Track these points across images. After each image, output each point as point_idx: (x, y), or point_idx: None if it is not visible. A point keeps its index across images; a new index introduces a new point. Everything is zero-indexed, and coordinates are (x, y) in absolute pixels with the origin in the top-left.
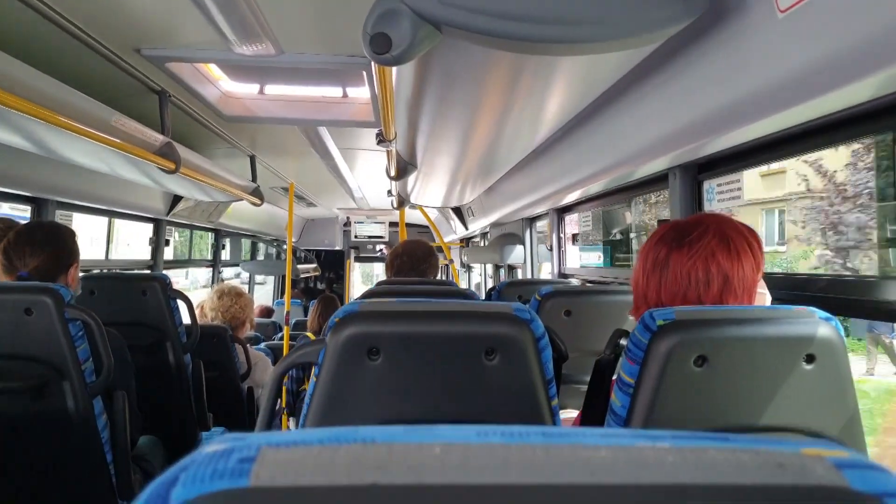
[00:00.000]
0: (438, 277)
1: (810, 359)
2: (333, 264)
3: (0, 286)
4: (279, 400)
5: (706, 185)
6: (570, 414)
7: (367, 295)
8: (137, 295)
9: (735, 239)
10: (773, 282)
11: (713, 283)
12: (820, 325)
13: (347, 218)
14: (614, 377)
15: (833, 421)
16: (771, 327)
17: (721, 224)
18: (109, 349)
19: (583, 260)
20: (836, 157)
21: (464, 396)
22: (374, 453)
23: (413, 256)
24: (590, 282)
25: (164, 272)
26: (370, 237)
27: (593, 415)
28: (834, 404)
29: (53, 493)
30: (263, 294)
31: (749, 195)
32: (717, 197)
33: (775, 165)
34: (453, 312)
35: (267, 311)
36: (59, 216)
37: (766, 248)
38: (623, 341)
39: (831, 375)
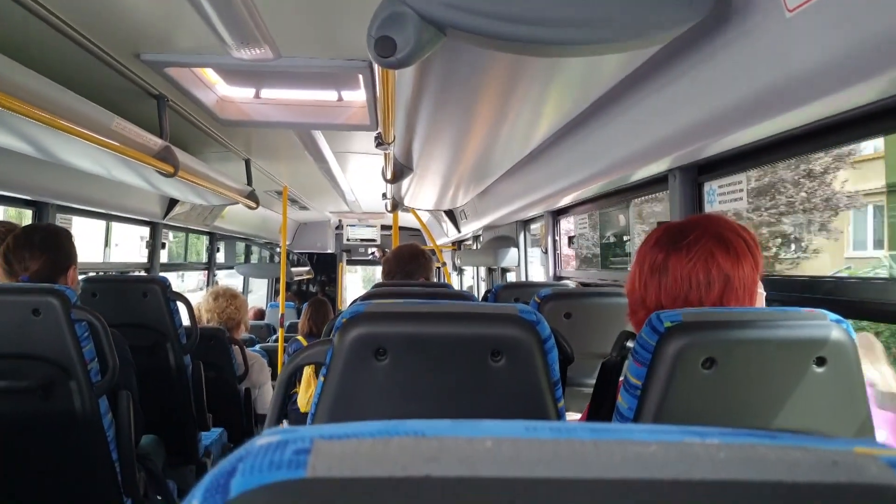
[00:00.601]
0: (432, 280)
1: (821, 362)
2: (326, 267)
3: (8, 287)
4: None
5: (707, 186)
6: (572, 417)
7: (366, 297)
8: (138, 297)
9: (733, 239)
10: (782, 284)
11: (714, 284)
12: (831, 327)
13: (340, 221)
14: (620, 379)
15: (844, 425)
16: (781, 329)
17: (717, 224)
18: (114, 349)
19: (578, 261)
20: None
21: (470, 397)
22: (427, 446)
23: (400, 258)
24: (585, 284)
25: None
26: (362, 240)
27: (599, 417)
28: (845, 408)
29: (60, 490)
30: (255, 299)
31: (836, 186)
32: (719, 199)
33: (868, 150)
34: (460, 314)
35: (259, 314)
36: (59, 219)
37: (855, 254)
38: (629, 343)
39: (842, 379)
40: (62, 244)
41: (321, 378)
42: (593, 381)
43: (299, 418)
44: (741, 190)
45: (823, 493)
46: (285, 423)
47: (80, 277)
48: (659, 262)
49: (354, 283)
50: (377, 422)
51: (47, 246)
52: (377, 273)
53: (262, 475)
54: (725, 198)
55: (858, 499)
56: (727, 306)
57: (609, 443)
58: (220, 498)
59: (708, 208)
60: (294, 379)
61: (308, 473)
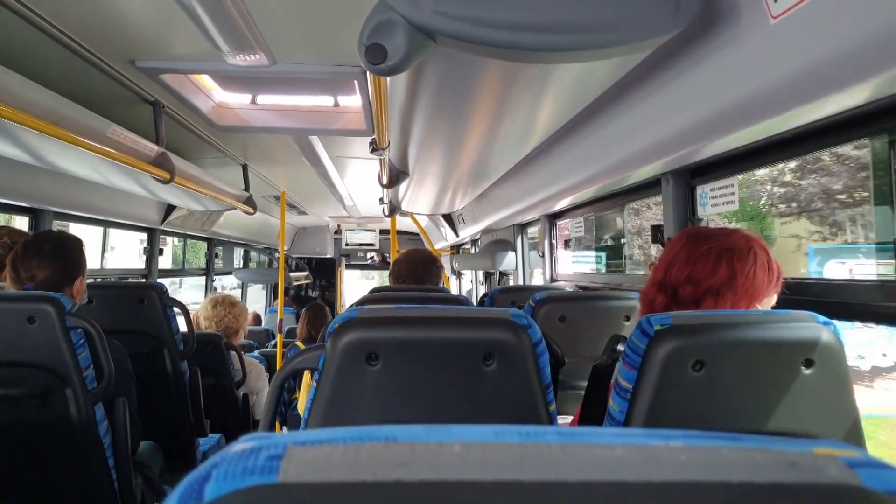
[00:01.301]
0: (440, 286)
1: (809, 363)
2: (324, 272)
3: (4, 295)
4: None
5: (699, 190)
6: (564, 420)
7: (361, 302)
8: (135, 303)
9: (759, 252)
10: None
11: (721, 268)
12: (819, 329)
13: (338, 226)
14: (612, 382)
15: (833, 426)
16: (769, 331)
17: (752, 238)
18: (110, 357)
19: (574, 265)
20: None
21: (462, 402)
22: (397, 451)
23: (411, 265)
24: (582, 287)
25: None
26: (361, 245)
27: (591, 420)
28: (834, 409)
29: (57, 497)
30: (251, 305)
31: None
32: (711, 202)
33: None
34: (451, 318)
35: (256, 319)
36: (56, 226)
37: None
38: (620, 346)
39: (831, 380)
40: (71, 254)
41: (314, 383)
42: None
43: (299, 424)
44: (733, 193)
45: (782, 494)
46: (285, 430)
47: None
48: (689, 246)
49: (359, 287)
50: (352, 427)
51: (56, 255)
52: (377, 276)
53: (235, 480)
54: (718, 201)
55: (817, 499)
56: (724, 301)
57: (576, 446)
58: (194, 502)
59: (700, 211)
60: (293, 384)
61: (280, 479)
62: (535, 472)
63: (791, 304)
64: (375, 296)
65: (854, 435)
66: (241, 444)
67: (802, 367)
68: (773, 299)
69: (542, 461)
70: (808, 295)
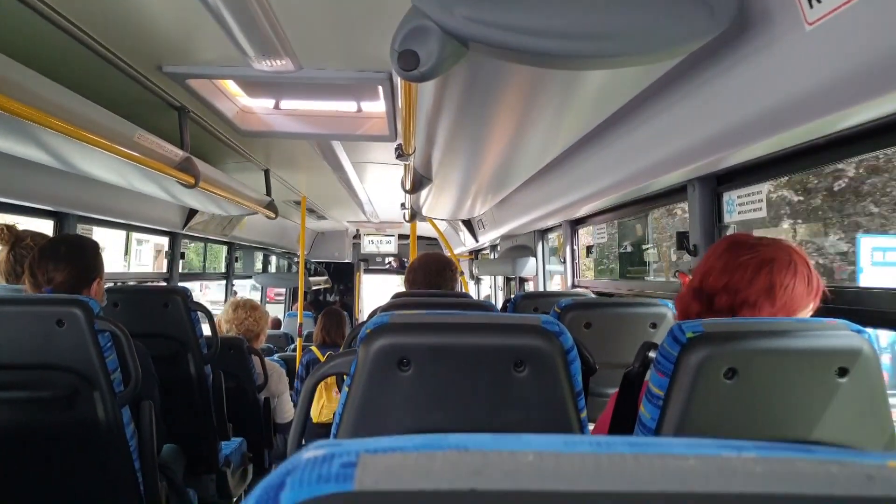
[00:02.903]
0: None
1: (843, 372)
2: (343, 277)
3: (33, 298)
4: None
5: (726, 196)
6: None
7: (386, 308)
8: (160, 307)
9: (800, 265)
10: None
11: (760, 279)
12: (852, 337)
13: (357, 230)
14: (642, 389)
15: (867, 436)
16: (801, 340)
17: (794, 250)
18: (137, 360)
19: (596, 272)
20: None
21: (494, 407)
22: (471, 460)
23: (427, 270)
24: (603, 294)
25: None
26: (379, 249)
27: (622, 427)
28: (868, 419)
29: (83, 499)
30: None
31: None
32: (738, 209)
33: None
34: (483, 325)
35: (276, 323)
36: (80, 230)
37: None
38: (651, 354)
39: (865, 389)
40: (87, 256)
41: (345, 388)
42: (613, 391)
43: (313, 428)
44: (760, 200)
45: None
46: None
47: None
48: (732, 256)
49: (379, 292)
50: (420, 436)
51: (72, 258)
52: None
53: (311, 488)
54: (745, 208)
55: None
56: (760, 313)
57: (649, 456)
58: None
59: (727, 218)
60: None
61: (356, 486)
62: (611, 482)
63: (823, 312)
64: (401, 301)
65: (890, 445)
66: (313, 451)
67: (836, 376)
68: (810, 313)
69: (617, 471)
70: (840, 303)
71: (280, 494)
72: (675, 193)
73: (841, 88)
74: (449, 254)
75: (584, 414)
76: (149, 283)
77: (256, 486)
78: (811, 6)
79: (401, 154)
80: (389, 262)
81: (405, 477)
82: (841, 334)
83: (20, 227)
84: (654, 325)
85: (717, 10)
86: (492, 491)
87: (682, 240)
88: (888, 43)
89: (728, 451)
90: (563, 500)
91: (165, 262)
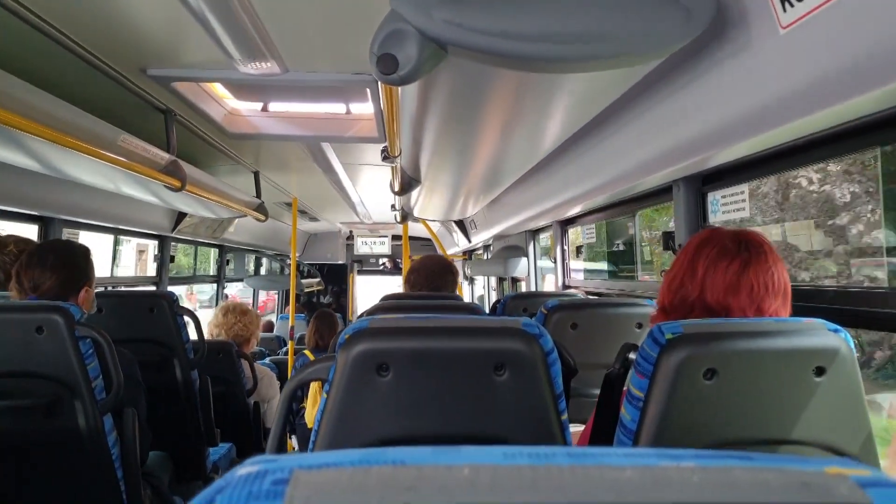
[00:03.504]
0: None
1: (820, 371)
2: (337, 278)
3: (11, 305)
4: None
5: (710, 196)
6: (577, 428)
7: (372, 311)
8: (145, 312)
9: (771, 258)
10: None
11: (729, 276)
12: (829, 336)
13: (350, 232)
14: (623, 390)
15: (845, 434)
16: (780, 340)
17: (765, 244)
18: (119, 367)
19: (586, 272)
20: None
21: (474, 412)
22: (405, 475)
23: (428, 272)
24: (594, 294)
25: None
26: (373, 250)
27: (603, 428)
28: (845, 417)
29: None
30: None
31: None
32: (722, 209)
33: None
34: (462, 328)
35: (268, 326)
36: (66, 234)
37: None
38: (632, 355)
39: (842, 388)
40: (76, 263)
41: (324, 394)
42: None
43: (307, 433)
44: (744, 200)
45: None
46: (293, 439)
47: None
48: (734, 270)
49: (373, 293)
50: (359, 450)
51: (60, 264)
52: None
53: None
54: (729, 208)
55: None
56: (732, 310)
57: (585, 468)
58: None
59: (712, 218)
60: (301, 394)
61: None
62: (546, 495)
63: (801, 312)
64: (387, 304)
65: (866, 442)
66: (247, 468)
67: (814, 376)
68: (784, 310)
69: (553, 484)
70: (818, 302)
71: None
72: (661, 193)
73: (816, 90)
74: (442, 254)
75: (564, 416)
76: (138, 288)
77: (189, 502)
78: (784, 10)
79: (387, 156)
80: (383, 264)
81: (336, 494)
82: (819, 334)
83: (3, 233)
84: (640, 326)
85: (693, 14)
86: None
87: (667, 240)
88: (859, 45)
89: (666, 461)
90: None
91: (154, 265)
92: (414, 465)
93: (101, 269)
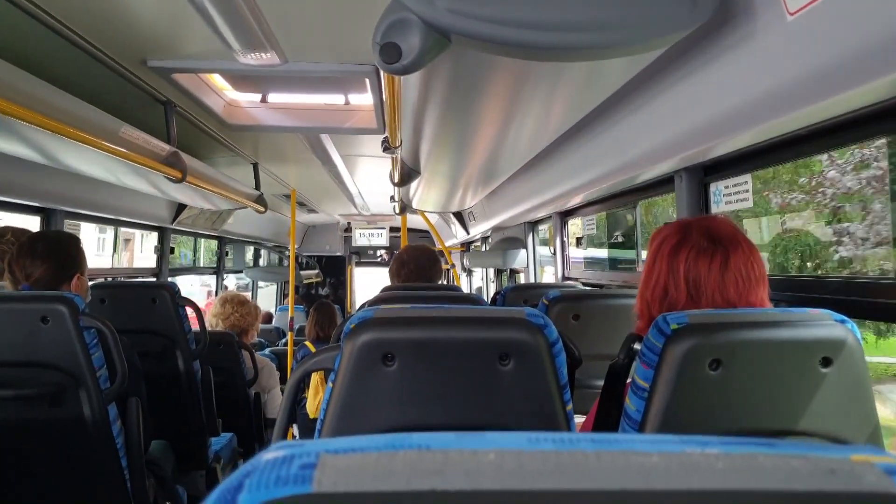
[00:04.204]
0: (442, 282)
1: (827, 362)
2: (335, 270)
3: (16, 295)
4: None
5: (713, 187)
6: (579, 419)
7: (374, 302)
8: (147, 303)
9: (745, 247)
10: (788, 284)
11: (756, 276)
12: (835, 327)
13: (349, 223)
14: (628, 381)
15: (852, 425)
16: (785, 330)
17: (737, 232)
18: (123, 356)
19: (586, 263)
20: None
21: (479, 401)
22: (431, 459)
23: (419, 265)
24: (593, 285)
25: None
26: (371, 242)
27: (607, 419)
28: (852, 408)
29: (69, 497)
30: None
31: None
32: (725, 199)
33: None
34: (467, 318)
35: (267, 317)
36: (68, 225)
37: None
38: (637, 345)
39: (848, 379)
40: (67, 252)
41: (329, 384)
42: (602, 383)
43: (307, 423)
44: (747, 190)
45: (821, 502)
46: (294, 428)
47: (90, 284)
48: (717, 265)
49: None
50: (383, 435)
51: (49, 254)
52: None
53: (269, 490)
54: (731, 198)
55: None
56: (713, 300)
57: (611, 454)
58: None
59: (714, 209)
60: (302, 385)
61: (314, 488)
62: (572, 480)
63: (807, 302)
64: (388, 295)
65: (873, 433)
66: (273, 453)
67: (820, 366)
68: (766, 298)
69: (579, 469)
70: (824, 293)
71: (238, 497)
72: (663, 184)
73: (824, 78)
74: (440, 246)
75: (569, 407)
76: (139, 279)
77: (215, 488)
78: None
79: (387, 147)
80: (381, 255)
81: (365, 478)
82: (825, 324)
83: (4, 224)
84: None
85: (699, 1)
86: (452, 491)
87: None
88: (870, 32)
89: (692, 447)
90: (524, 500)
91: (141, 254)
92: (439, 449)
93: (100, 260)
